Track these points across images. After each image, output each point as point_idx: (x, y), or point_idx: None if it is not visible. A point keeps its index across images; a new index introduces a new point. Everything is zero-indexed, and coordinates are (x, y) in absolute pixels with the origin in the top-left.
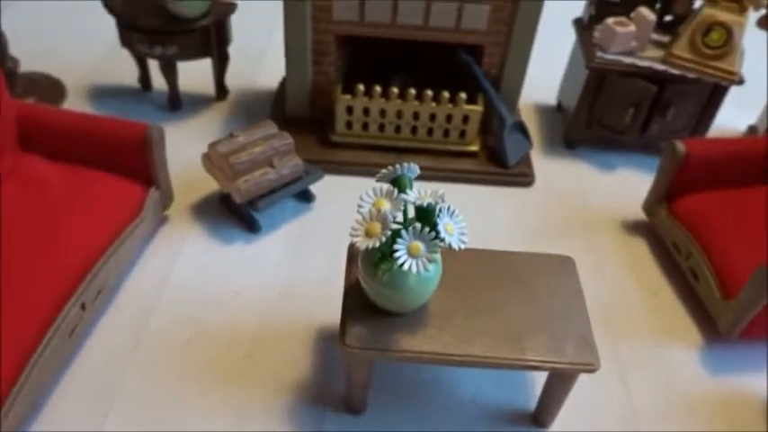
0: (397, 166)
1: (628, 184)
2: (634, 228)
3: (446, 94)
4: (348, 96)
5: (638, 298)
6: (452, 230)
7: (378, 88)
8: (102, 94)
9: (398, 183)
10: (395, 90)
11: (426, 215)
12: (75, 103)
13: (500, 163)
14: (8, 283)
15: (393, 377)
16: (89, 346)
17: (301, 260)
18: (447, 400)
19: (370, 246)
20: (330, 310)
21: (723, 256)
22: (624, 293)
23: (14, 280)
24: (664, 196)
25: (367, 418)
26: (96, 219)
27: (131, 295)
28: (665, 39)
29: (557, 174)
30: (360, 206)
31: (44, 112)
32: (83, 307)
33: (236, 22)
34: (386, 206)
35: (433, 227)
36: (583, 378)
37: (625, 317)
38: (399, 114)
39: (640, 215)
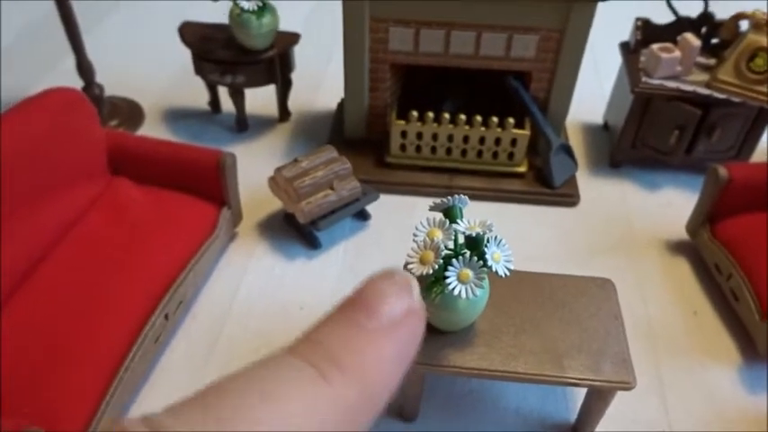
0: (449, 198)
1: (672, 204)
2: (677, 248)
3: (495, 120)
4: (402, 122)
5: (679, 317)
6: (499, 258)
7: (430, 114)
8: (176, 116)
9: (450, 213)
10: (446, 116)
11: (475, 244)
12: (152, 125)
13: (546, 184)
14: (104, 295)
15: (443, 387)
16: (169, 353)
17: (358, 276)
18: (493, 410)
19: (425, 272)
20: None
21: (762, 278)
22: (666, 312)
23: (110, 293)
24: (706, 218)
25: (418, 426)
26: (177, 237)
27: (206, 307)
28: (712, 61)
29: (602, 193)
30: (415, 235)
31: (130, 140)
32: (166, 317)
33: (298, 48)
34: (438, 236)
35: (481, 255)
36: (623, 394)
37: (666, 335)
38: (450, 138)
39: (684, 235)
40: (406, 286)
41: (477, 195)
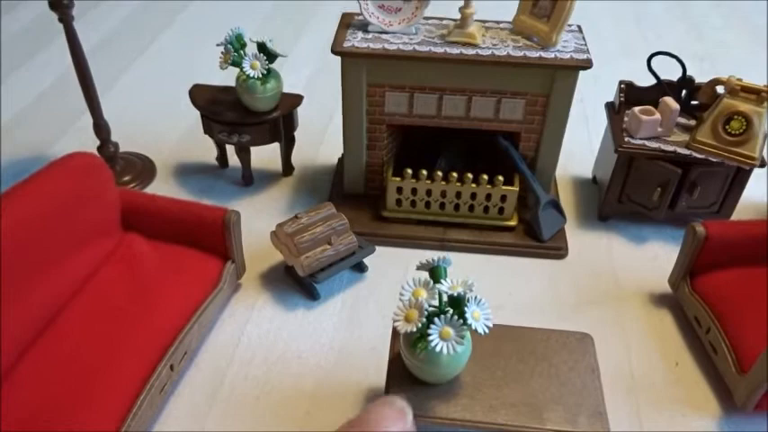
0: (434, 258)
1: (657, 257)
2: (660, 300)
3: (485, 177)
4: (398, 179)
5: (661, 368)
6: (479, 317)
7: (424, 172)
8: (186, 171)
9: (435, 273)
10: (439, 173)
11: (456, 303)
12: (164, 179)
13: (536, 237)
14: (113, 346)
15: None
16: (173, 402)
17: (354, 326)
18: None
19: (409, 330)
20: (378, 375)
21: (738, 332)
22: (648, 364)
23: (119, 344)
24: (686, 272)
25: None
26: (183, 289)
27: (209, 356)
28: (692, 122)
29: (590, 246)
30: (401, 294)
31: (141, 198)
32: (171, 368)
33: (301, 106)
34: (423, 295)
35: (462, 314)
36: None
37: (648, 386)
38: (443, 194)
39: (667, 288)
40: (402, 412)
41: (469, 248)
